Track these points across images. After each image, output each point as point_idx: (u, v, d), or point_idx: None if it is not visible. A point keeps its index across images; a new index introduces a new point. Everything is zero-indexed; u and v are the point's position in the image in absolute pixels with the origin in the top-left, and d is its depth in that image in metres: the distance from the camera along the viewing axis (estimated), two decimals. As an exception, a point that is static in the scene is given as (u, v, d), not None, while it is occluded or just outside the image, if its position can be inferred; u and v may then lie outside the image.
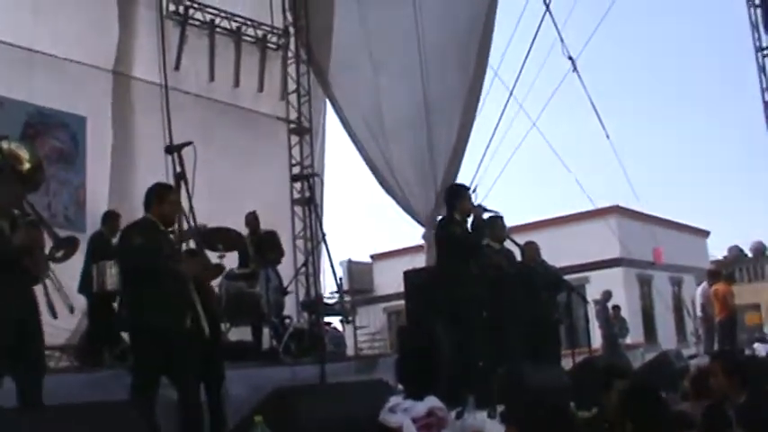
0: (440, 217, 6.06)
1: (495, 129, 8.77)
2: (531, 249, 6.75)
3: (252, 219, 7.36)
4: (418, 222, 9.15)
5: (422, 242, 9.10)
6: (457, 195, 5.51)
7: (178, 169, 3.86)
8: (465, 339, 5.09)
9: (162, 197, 3.97)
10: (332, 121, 10.35)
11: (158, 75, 7.69)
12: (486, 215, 5.54)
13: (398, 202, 9.31)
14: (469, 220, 5.40)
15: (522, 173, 19.16)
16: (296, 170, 10.10)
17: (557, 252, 8.44)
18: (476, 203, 5.62)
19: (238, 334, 6.95)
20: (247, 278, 6.77)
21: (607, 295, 12.05)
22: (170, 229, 3.97)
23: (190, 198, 3.90)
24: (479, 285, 5.29)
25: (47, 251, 3.61)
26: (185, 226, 4.02)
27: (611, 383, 3.33)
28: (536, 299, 6.42)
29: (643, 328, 16.10)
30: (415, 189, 9.08)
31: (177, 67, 8.70)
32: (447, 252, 5.41)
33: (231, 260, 6.96)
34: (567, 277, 7.29)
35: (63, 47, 7.52)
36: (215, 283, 5.90)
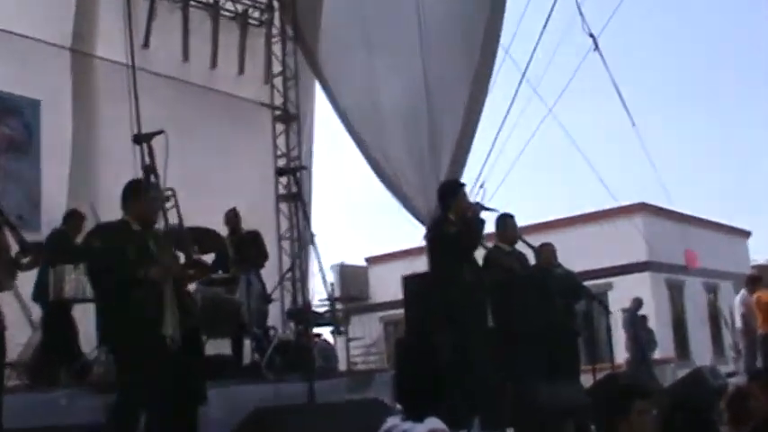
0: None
1: (506, 116, 8.73)
2: (546, 252, 6.74)
3: (232, 217, 7.34)
4: (419, 221, 9.13)
5: (423, 244, 9.06)
6: (451, 193, 5.60)
7: (147, 161, 3.83)
8: (468, 352, 5.10)
9: (138, 194, 3.98)
10: (322, 108, 10.33)
11: (124, 54, 7.64)
12: (485, 213, 5.55)
13: (398, 199, 9.29)
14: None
15: (536, 166, 18.99)
16: (281, 162, 10.10)
17: (575, 255, 8.44)
18: (474, 201, 5.63)
19: (216, 347, 6.91)
20: (226, 283, 6.75)
21: (637, 303, 11.92)
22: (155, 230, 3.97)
23: (161, 194, 3.88)
24: (481, 290, 5.35)
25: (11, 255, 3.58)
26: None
27: (630, 405, 3.24)
28: (552, 307, 6.41)
29: (674, 341, 16.07)
30: (416, 184, 9.06)
31: (146, 45, 8.66)
32: (440, 254, 5.50)
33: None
34: (587, 283, 7.31)
35: (12, 20, 7.39)
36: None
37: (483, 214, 5.52)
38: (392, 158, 9.18)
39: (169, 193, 4.11)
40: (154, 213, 3.97)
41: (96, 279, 3.87)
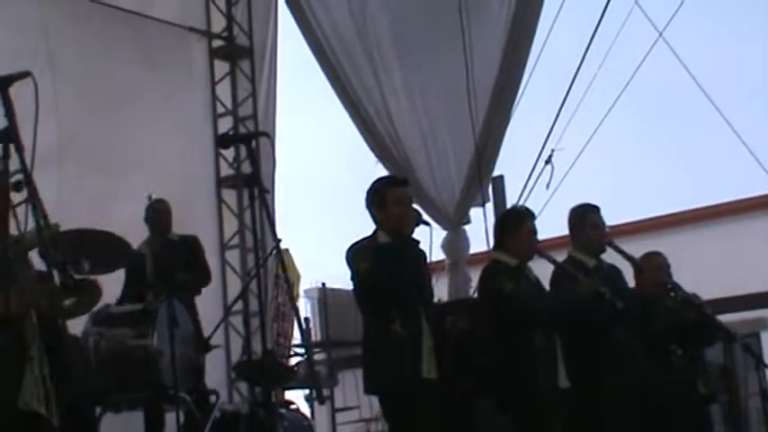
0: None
1: (588, 47, 8.91)
2: (653, 266, 6.77)
3: (160, 210, 7.41)
4: (436, 221, 9.27)
5: (441, 256, 9.21)
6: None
7: (2, 122, 3.83)
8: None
9: None
10: (289, 40, 10.44)
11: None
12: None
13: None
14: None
15: (634, 130, 19.05)
16: (225, 125, 10.11)
17: (702, 271, 8.42)
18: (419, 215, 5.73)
19: (121, 422, 6.95)
20: (136, 320, 6.77)
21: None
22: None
23: (27, 175, 3.88)
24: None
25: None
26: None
27: None
28: (663, 354, 6.45)
29: None
30: (427, 166, 9.26)
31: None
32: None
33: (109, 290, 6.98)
34: (724, 319, 7.28)
35: None
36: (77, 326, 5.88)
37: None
38: (397, 124, 9.36)
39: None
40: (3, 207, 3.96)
41: None
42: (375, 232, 5.53)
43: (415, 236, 5.53)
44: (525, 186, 9.14)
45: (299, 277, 11.61)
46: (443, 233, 9.52)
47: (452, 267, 9.37)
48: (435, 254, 9.43)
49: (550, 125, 9.02)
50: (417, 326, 5.31)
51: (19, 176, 3.84)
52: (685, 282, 6.91)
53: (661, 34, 9.40)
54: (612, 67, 9.69)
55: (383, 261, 5.29)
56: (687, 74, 9.60)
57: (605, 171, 17.52)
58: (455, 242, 9.44)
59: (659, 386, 6.29)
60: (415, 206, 5.75)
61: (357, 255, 5.43)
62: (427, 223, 5.57)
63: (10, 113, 3.78)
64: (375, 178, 5.78)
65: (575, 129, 9.22)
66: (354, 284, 5.51)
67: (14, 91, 3.88)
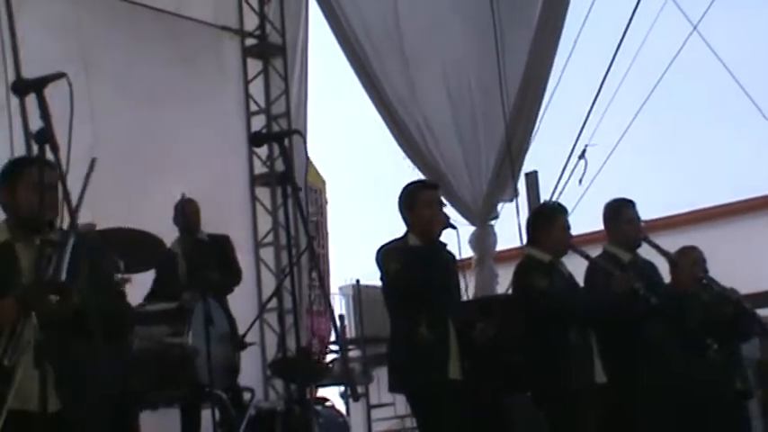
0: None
1: (621, 41, 8.90)
2: (688, 261, 6.74)
3: (188, 211, 7.44)
4: (464, 217, 9.28)
5: (470, 253, 9.23)
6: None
7: (38, 123, 3.86)
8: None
9: (14, 180, 4.06)
10: (320, 39, 10.46)
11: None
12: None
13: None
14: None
15: (668, 124, 18.93)
16: (257, 123, 10.12)
17: (738, 265, 8.34)
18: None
19: (156, 420, 6.99)
20: (171, 319, 6.81)
21: None
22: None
23: (61, 174, 3.91)
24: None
25: None
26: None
27: None
28: (698, 350, 6.46)
29: None
30: (457, 160, 9.27)
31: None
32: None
33: (141, 286, 7.02)
34: (761, 312, 7.21)
35: None
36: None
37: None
38: (428, 120, 9.37)
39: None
40: (35, 208, 3.99)
41: None
42: (406, 234, 5.59)
43: (442, 239, 5.61)
44: (558, 182, 9.13)
45: (323, 183, 11.67)
46: (471, 229, 9.52)
47: (479, 263, 9.35)
48: (463, 252, 9.57)
49: (583, 120, 9.01)
50: (444, 329, 5.37)
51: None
52: (721, 276, 6.87)
53: (695, 28, 9.37)
54: (646, 62, 9.68)
55: (414, 264, 5.35)
56: (722, 67, 9.57)
57: (639, 166, 17.43)
58: (482, 238, 9.43)
59: (695, 382, 6.25)
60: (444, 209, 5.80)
61: (387, 256, 5.49)
62: (454, 227, 5.64)
63: (45, 115, 3.79)
64: (407, 182, 5.84)
65: (608, 124, 9.21)
66: (383, 285, 5.55)
67: (49, 92, 3.91)
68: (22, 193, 4.10)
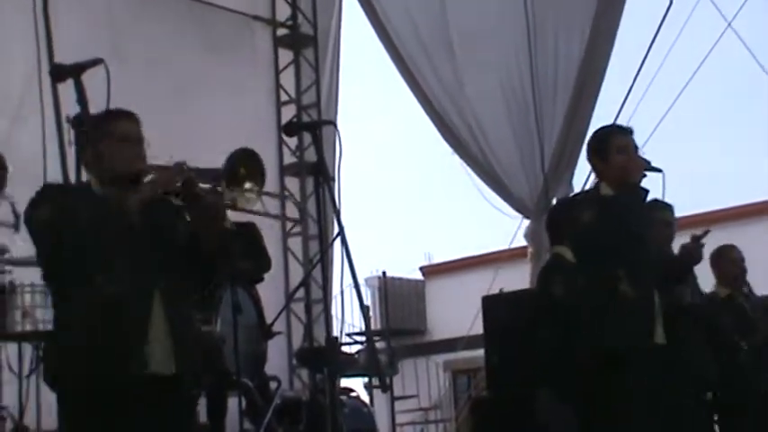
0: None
1: (655, 37, 8.95)
2: (727, 262, 6.66)
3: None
4: (519, 212, 9.23)
5: (519, 243, 9.17)
6: (600, 141, 5.26)
7: (75, 108, 3.88)
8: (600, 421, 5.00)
9: (98, 135, 4.00)
10: (352, 28, 10.55)
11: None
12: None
13: (477, 172, 9.37)
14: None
15: (701, 120, 18.82)
16: (288, 113, 10.14)
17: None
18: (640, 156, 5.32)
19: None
20: (199, 306, 6.82)
21: None
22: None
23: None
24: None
25: None
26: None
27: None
28: (729, 351, 6.37)
29: None
30: (510, 151, 9.20)
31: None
32: (574, 258, 5.41)
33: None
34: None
35: None
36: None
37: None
38: (473, 111, 9.34)
39: None
40: (129, 162, 4.11)
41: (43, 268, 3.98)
42: (597, 185, 5.24)
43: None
44: (587, 180, 9.08)
45: None
46: (527, 222, 9.47)
47: (535, 257, 9.26)
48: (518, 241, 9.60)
49: (614, 116, 8.96)
50: (648, 286, 4.99)
51: None
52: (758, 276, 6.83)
53: (729, 24, 9.34)
54: (679, 58, 9.66)
55: (609, 214, 4.94)
56: (756, 64, 9.50)
57: (671, 162, 17.28)
58: (539, 232, 9.31)
59: (726, 382, 6.22)
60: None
61: (578, 205, 5.22)
62: (658, 170, 5.25)
63: (83, 100, 3.82)
64: (598, 127, 5.41)
65: (639, 120, 9.16)
66: (571, 238, 5.28)
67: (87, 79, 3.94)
68: (112, 147, 4.06)
